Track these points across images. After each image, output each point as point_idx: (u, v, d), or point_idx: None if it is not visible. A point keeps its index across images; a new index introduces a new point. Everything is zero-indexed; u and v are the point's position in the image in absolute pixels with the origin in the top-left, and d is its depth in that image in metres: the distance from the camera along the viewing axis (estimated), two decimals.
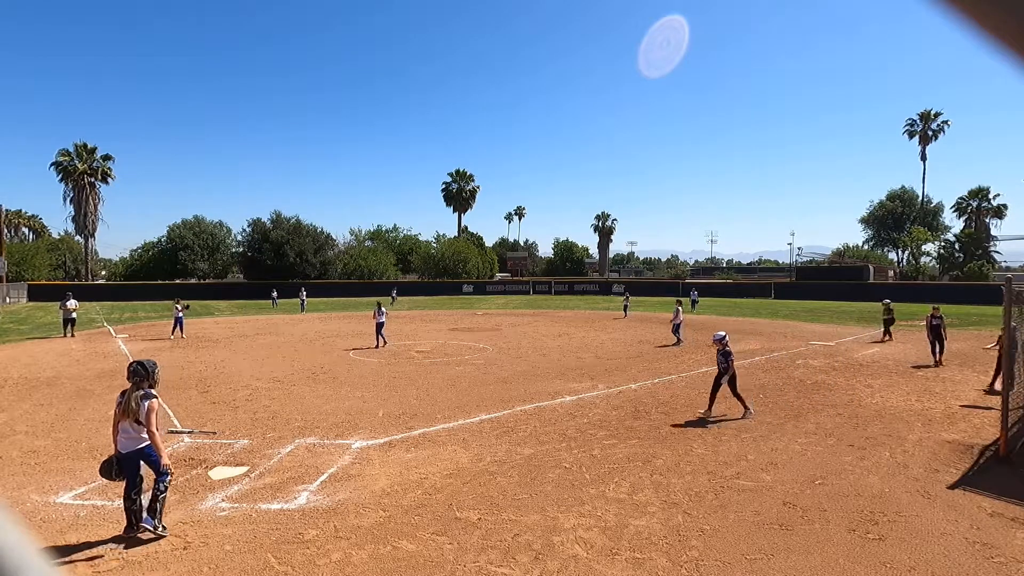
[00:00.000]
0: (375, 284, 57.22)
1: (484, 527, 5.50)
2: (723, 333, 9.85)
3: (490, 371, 14.37)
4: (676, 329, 19.57)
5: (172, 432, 8.57)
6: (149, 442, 5.35)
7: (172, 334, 22.01)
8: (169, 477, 5.44)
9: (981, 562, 4.81)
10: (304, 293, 37.66)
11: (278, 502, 6.15)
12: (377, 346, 18.62)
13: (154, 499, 5.30)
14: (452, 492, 6.41)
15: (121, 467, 5.31)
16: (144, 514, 5.32)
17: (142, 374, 5.47)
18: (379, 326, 19.05)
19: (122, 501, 5.37)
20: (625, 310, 32.31)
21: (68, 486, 6.60)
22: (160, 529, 5.30)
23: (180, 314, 22.19)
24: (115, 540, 5.25)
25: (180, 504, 6.08)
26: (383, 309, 19.33)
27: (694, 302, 36.05)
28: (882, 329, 20.00)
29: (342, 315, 33.41)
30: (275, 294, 42.33)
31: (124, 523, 5.34)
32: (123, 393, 5.46)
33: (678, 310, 19.91)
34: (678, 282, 61.01)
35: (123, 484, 5.39)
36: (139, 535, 5.27)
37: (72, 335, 21.85)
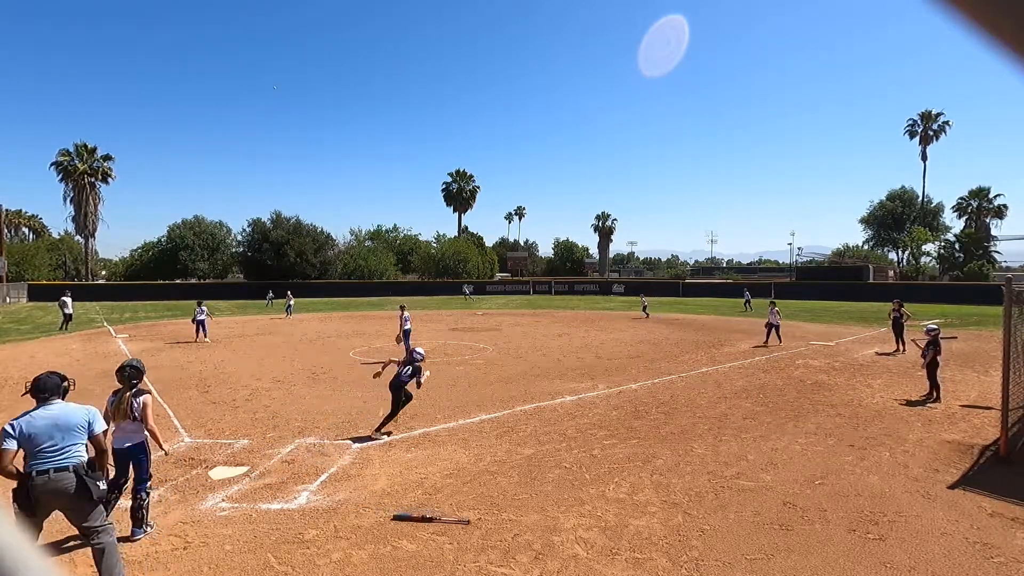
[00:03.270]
0: (375, 284, 57.26)
1: (484, 527, 5.50)
2: (935, 326, 11.31)
3: (490, 371, 14.37)
4: (774, 329, 19.18)
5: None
6: (141, 440, 5.51)
7: (198, 337, 20.88)
8: (149, 483, 5.53)
9: (981, 562, 4.81)
10: (291, 298, 33.24)
11: (278, 502, 6.15)
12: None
13: (138, 508, 5.36)
14: (452, 492, 6.41)
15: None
16: (132, 527, 5.36)
17: (135, 376, 5.64)
18: (405, 334, 16.38)
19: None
20: (645, 310, 31.73)
21: None
22: (149, 529, 5.43)
23: (203, 316, 21.18)
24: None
25: (180, 504, 6.08)
26: (407, 315, 17.01)
27: (747, 304, 35.71)
28: (893, 335, 17.34)
29: (342, 315, 33.41)
30: (271, 294, 42.30)
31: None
32: (115, 393, 5.57)
33: (775, 311, 19.33)
34: (678, 282, 61.03)
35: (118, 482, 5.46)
36: (134, 539, 5.29)
37: (66, 330, 23.66)
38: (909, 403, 10.54)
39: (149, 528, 5.44)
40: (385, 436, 8.52)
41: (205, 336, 21.09)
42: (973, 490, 6.35)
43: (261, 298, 44.29)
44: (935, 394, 10.75)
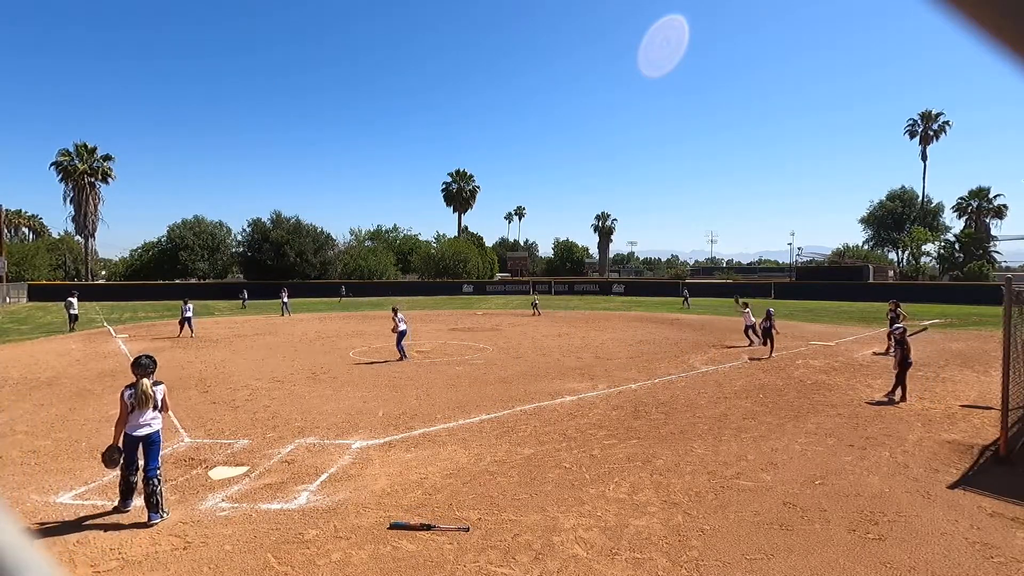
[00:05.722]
0: (375, 284, 57.29)
1: (484, 527, 5.50)
2: (901, 326, 11.38)
3: (490, 371, 14.37)
4: (749, 330, 19.12)
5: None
6: (160, 428, 5.91)
7: (181, 333, 22.33)
8: (159, 466, 5.81)
9: (981, 562, 4.81)
10: (286, 294, 33.40)
11: (278, 502, 6.15)
12: (402, 358, 15.96)
13: (152, 494, 5.61)
14: (452, 492, 6.41)
15: (119, 451, 5.72)
16: (153, 502, 5.65)
17: (152, 367, 6.03)
18: (401, 335, 16.07)
19: (120, 480, 5.80)
20: (535, 307, 33.68)
21: (68, 486, 6.60)
22: (165, 515, 5.70)
23: (189, 313, 22.53)
24: (115, 540, 5.26)
25: (180, 504, 6.08)
26: (401, 315, 16.31)
27: (685, 301, 38.74)
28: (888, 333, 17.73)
29: (342, 315, 33.41)
30: (245, 294, 41.87)
31: (121, 511, 5.78)
32: (130, 386, 5.84)
33: (747, 312, 19.29)
34: (678, 282, 61.08)
35: (132, 495, 5.83)
36: (152, 524, 5.59)
37: (72, 330, 23.72)
38: (909, 403, 10.53)
39: (165, 514, 5.67)
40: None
41: (191, 332, 22.32)
42: (973, 490, 6.35)
43: (262, 298, 44.12)
44: (901, 393, 10.72)
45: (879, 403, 10.57)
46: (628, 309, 37.73)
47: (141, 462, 5.75)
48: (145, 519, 5.59)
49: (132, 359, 6.14)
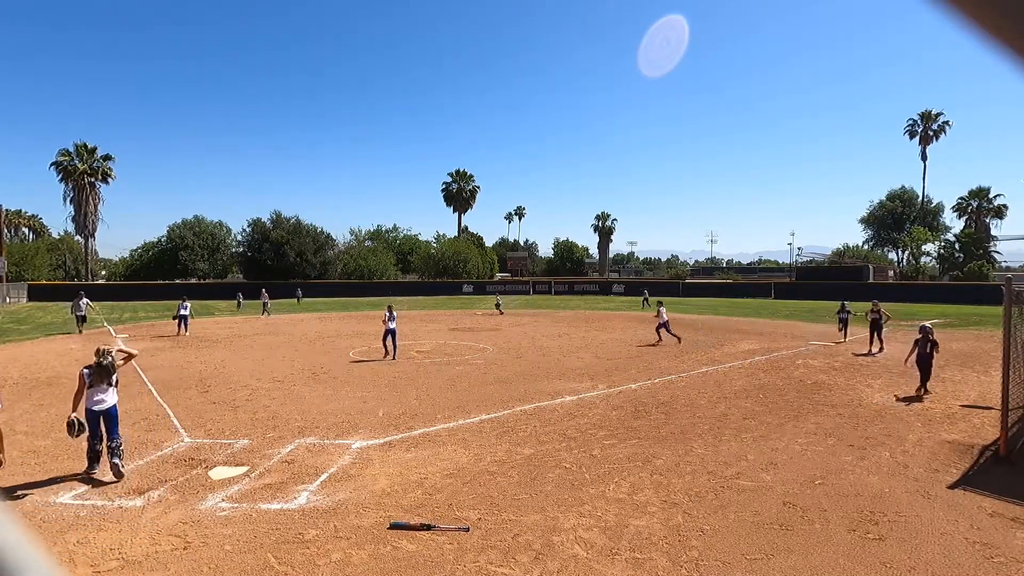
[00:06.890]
0: (375, 284, 57.31)
1: (484, 527, 5.50)
2: (928, 324, 11.61)
3: (490, 371, 14.37)
4: (661, 328, 19.42)
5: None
6: (115, 402, 6.92)
7: (179, 332, 22.66)
8: (119, 434, 6.83)
9: (981, 562, 4.81)
10: (266, 295, 34.01)
11: (278, 502, 6.15)
12: (386, 356, 16.30)
13: (115, 452, 6.69)
14: (452, 492, 6.41)
15: (85, 424, 6.66)
16: (114, 461, 6.67)
17: (108, 355, 7.02)
18: (389, 333, 16.33)
19: (87, 449, 6.80)
20: (498, 307, 33.89)
21: (68, 486, 6.60)
22: (123, 467, 6.75)
23: (185, 311, 22.86)
24: (115, 539, 5.26)
25: (180, 504, 6.08)
26: (394, 314, 16.62)
27: (645, 301, 38.84)
28: (869, 336, 17.32)
29: (341, 315, 33.41)
30: (240, 297, 42.16)
31: (89, 474, 6.75)
32: (89, 367, 6.88)
33: (660, 311, 19.79)
34: (678, 282, 61.10)
35: (98, 461, 6.85)
36: (104, 478, 6.60)
37: (80, 331, 23.45)
38: (909, 402, 10.54)
39: (124, 476, 6.70)
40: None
41: (186, 331, 22.66)
42: (973, 490, 6.35)
43: (259, 299, 44.02)
44: (922, 388, 11.17)
45: (909, 399, 10.83)
46: (628, 309, 37.73)
47: (103, 431, 6.74)
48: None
49: (96, 348, 7.14)
